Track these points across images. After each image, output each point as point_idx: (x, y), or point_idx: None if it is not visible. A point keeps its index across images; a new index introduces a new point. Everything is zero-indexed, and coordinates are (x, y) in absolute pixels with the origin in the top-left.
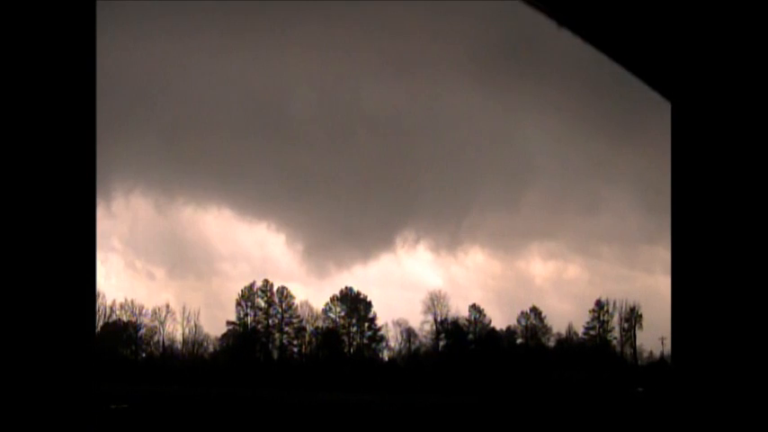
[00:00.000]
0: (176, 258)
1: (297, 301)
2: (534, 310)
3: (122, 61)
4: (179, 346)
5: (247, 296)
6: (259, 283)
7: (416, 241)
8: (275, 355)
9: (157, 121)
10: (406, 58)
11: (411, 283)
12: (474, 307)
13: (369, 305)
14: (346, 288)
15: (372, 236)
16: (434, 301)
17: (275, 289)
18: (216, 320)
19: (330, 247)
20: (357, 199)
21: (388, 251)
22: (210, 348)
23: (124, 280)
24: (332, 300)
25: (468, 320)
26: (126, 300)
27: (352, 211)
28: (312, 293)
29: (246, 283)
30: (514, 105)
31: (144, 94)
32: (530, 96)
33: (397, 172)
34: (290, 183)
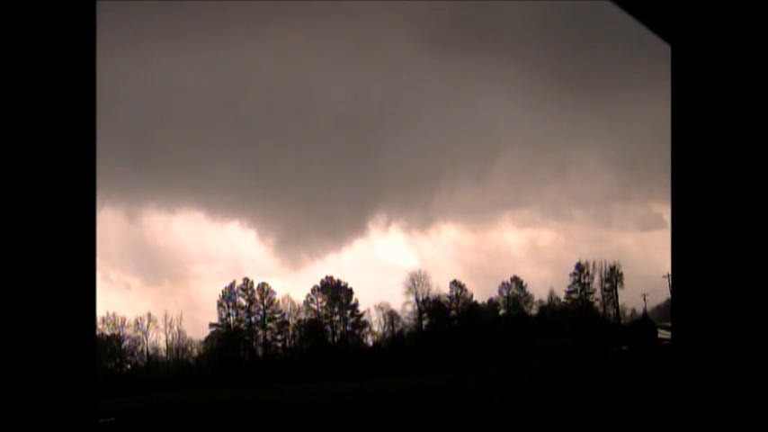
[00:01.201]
0: (150, 265)
1: (278, 296)
2: (515, 279)
3: None
4: (163, 354)
5: (228, 296)
6: (239, 282)
7: (388, 223)
8: (260, 352)
9: (118, 128)
10: (357, 42)
11: (388, 266)
12: (455, 283)
13: (350, 292)
14: (327, 277)
15: (343, 222)
16: (415, 282)
17: (255, 286)
18: (197, 324)
19: (302, 237)
20: (324, 188)
21: (361, 236)
22: (195, 352)
23: (101, 293)
24: (313, 290)
25: (450, 297)
26: (108, 313)
27: (320, 201)
28: (291, 287)
29: (223, 283)
30: (473, 77)
31: (100, 100)
32: (487, 66)
33: (362, 157)
34: (257, 179)
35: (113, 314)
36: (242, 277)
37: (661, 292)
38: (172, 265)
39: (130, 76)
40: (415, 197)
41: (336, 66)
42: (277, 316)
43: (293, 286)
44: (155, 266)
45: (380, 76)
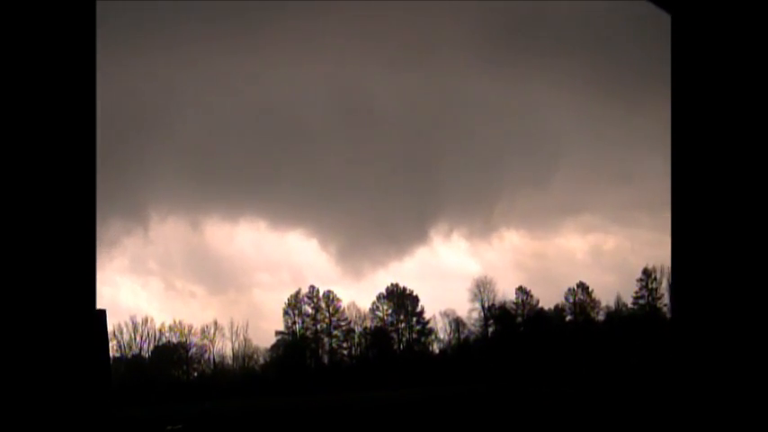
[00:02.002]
0: (215, 274)
1: (343, 304)
2: (581, 285)
3: (132, 85)
4: (230, 362)
5: (294, 304)
6: (305, 290)
7: (450, 231)
8: (326, 359)
9: (181, 140)
10: (413, 49)
11: (450, 274)
12: (521, 289)
13: (416, 300)
14: (392, 284)
15: (405, 231)
16: (481, 288)
17: (321, 294)
18: (262, 332)
19: (363, 246)
20: (385, 196)
21: (423, 244)
22: (261, 360)
23: (166, 302)
24: (378, 298)
25: (516, 303)
26: (174, 321)
27: (381, 209)
28: (355, 294)
29: (286, 292)
30: (531, 81)
31: (161, 115)
32: (545, 71)
33: (422, 165)
34: (317, 188)
35: (180, 322)
36: (305, 286)
37: None
38: (236, 274)
39: (191, 89)
40: (476, 204)
41: (393, 72)
42: (343, 324)
43: (357, 294)
44: (219, 275)
45: (438, 83)
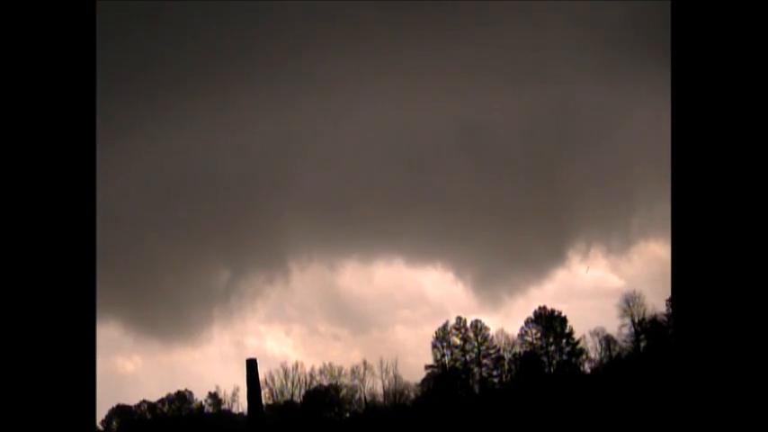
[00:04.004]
0: (357, 315)
1: (491, 332)
2: None
3: (261, 142)
4: (381, 399)
5: (442, 336)
6: (452, 322)
7: (588, 249)
8: (476, 389)
9: (315, 188)
10: (528, 68)
11: (593, 292)
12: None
13: (564, 321)
14: (540, 307)
15: (541, 255)
16: (629, 303)
17: (468, 324)
18: (410, 367)
19: (500, 274)
20: (517, 222)
21: (561, 266)
22: (412, 395)
23: (311, 346)
24: (526, 322)
25: (667, 315)
26: (324, 364)
27: (514, 235)
28: (498, 321)
29: (428, 326)
30: (650, 92)
31: (291, 169)
32: (664, 79)
33: (551, 184)
34: (449, 220)
35: (330, 364)
36: (445, 319)
37: None
38: (377, 313)
39: (319, 138)
40: (612, 219)
41: (510, 93)
42: (492, 351)
43: (497, 322)
44: (361, 316)
45: (553, 100)
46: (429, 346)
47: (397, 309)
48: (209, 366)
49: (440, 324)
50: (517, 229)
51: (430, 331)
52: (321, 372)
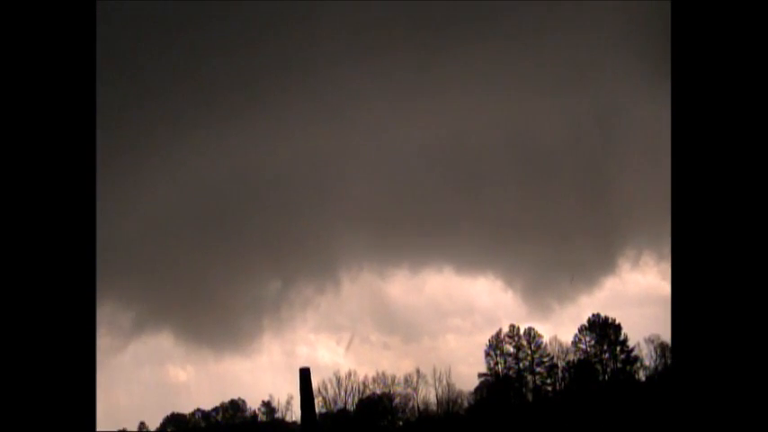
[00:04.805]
0: (407, 324)
1: (544, 340)
2: None
3: (310, 150)
4: (434, 408)
5: (495, 344)
6: (505, 330)
7: (638, 256)
8: (530, 397)
9: (358, 199)
10: (574, 76)
11: (645, 299)
12: None
13: (618, 328)
14: (594, 315)
15: (591, 263)
16: None
17: (522, 332)
18: (461, 376)
19: (549, 283)
20: (566, 230)
21: (612, 274)
22: (465, 404)
23: (362, 355)
24: (580, 330)
25: None
26: (378, 373)
27: (564, 244)
28: (550, 329)
29: (479, 334)
30: None
31: (340, 178)
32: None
33: (599, 191)
34: (496, 229)
35: (383, 373)
36: (495, 327)
37: None
38: (428, 321)
39: (366, 149)
40: (662, 225)
41: (553, 101)
42: (545, 359)
43: (551, 329)
44: (411, 324)
45: (600, 108)
46: (480, 355)
47: (448, 317)
48: (261, 375)
49: (490, 332)
50: (566, 237)
51: (480, 339)
52: (374, 380)
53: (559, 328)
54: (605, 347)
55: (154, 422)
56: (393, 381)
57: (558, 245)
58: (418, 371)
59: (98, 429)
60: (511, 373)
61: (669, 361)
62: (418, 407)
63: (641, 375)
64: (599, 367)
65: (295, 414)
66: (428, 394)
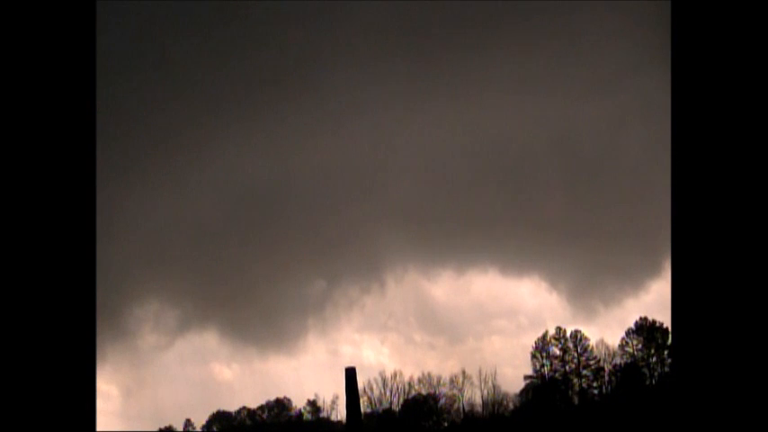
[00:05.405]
0: (452, 325)
1: (591, 343)
2: None
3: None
4: (479, 410)
5: (541, 346)
6: (552, 332)
7: None
8: (576, 400)
9: (401, 202)
10: (614, 78)
11: None
12: None
13: (666, 332)
14: (641, 318)
15: (637, 266)
16: None
17: (568, 334)
18: (506, 377)
19: (595, 286)
20: (612, 233)
21: (658, 278)
22: (510, 406)
23: (406, 355)
24: (627, 333)
25: None
26: (423, 373)
27: (610, 247)
28: (596, 332)
29: (524, 336)
30: None
31: (382, 181)
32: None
33: (647, 196)
34: (542, 231)
35: (428, 374)
36: (540, 329)
37: None
38: (473, 322)
39: (405, 150)
40: None
41: (594, 104)
42: (592, 362)
43: (596, 331)
44: (456, 325)
45: (641, 109)
46: (525, 357)
47: (493, 318)
48: (305, 375)
49: (535, 334)
50: (612, 240)
51: (525, 341)
52: (419, 381)
53: (605, 331)
54: (652, 351)
55: (200, 419)
56: (438, 381)
57: (603, 247)
58: (464, 372)
59: (144, 427)
60: (557, 375)
61: None
62: (463, 408)
63: None
64: (646, 371)
65: (340, 413)
66: (473, 396)
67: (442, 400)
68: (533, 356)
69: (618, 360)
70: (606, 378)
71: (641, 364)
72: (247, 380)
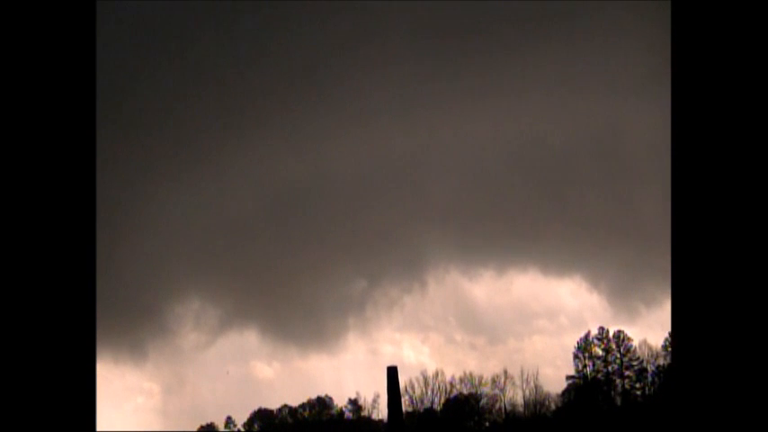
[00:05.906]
0: (493, 325)
1: (634, 343)
2: None
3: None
4: (521, 410)
5: (584, 347)
6: (594, 332)
7: None
8: (618, 401)
9: (442, 201)
10: (653, 76)
11: None
12: None
13: None
14: None
15: None
16: None
17: (611, 335)
18: (549, 378)
19: (636, 286)
20: (654, 233)
21: None
22: (552, 406)
23: (447, 355)
24: (671, 334)
25: None
26: (465, 373)
27: (651, 248)
28: (639, 332)
29: (566, 335)
30: None
31: (418, 180)
32: None
33: None
34: (583, 231)
35: (470, 373)
36: (582, 329)
37: None
38: (514, 322)
39: (445, 150)
40: None
41: (634, 105)
42: (634, 363)
43: (639, 332)
44: (497, 325)
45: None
46: (566, 357)
47: (533, 319)
48: (346, 373)
49: (576, 335)
50: (654, 241)
51: (567, 342)
52: (461, 380)
53: (647, 332)
54: None
55: (241, 417)
56: (480, 381)
57: (644, 248)
58: (506, 372)
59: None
60: (599, 376)
61: None
62: (505, 408)
63: None
64: None
65: (381, 412)
66: (515, 396)
67: (484, 400)
68: (576, 357)
69: (661, 361)
70: (649, 379)
71: None
72: (288, 378)
